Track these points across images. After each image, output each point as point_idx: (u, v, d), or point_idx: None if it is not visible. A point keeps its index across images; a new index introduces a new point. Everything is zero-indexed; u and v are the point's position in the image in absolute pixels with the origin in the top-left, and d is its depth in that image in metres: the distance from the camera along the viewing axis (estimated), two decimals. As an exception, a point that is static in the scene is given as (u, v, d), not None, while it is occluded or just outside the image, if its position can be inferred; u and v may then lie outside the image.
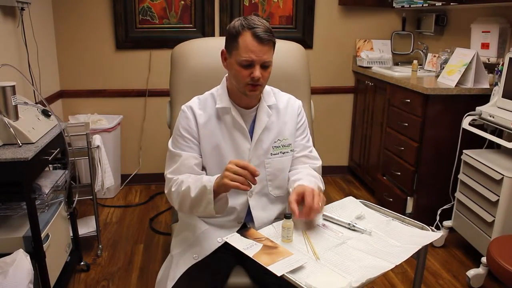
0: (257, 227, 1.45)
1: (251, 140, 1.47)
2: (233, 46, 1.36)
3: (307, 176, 1.44)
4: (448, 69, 2.67)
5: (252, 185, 1.24)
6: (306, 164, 1.53)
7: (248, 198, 1.48)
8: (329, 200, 1.40)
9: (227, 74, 1.48)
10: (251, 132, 1.47)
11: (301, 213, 1.27)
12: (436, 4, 2.92)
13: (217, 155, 1.45)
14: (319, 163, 1.56)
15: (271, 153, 1.49)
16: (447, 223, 2.55)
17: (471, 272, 2.20)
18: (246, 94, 1.40)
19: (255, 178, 1.23)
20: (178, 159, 1.41)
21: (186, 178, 1.36)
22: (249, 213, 1.49)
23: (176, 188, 1.36)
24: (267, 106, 1.49)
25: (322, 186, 1.48)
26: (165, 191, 1.43)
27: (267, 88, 1.53)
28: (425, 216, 2.56)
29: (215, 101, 1.48)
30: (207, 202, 1.28)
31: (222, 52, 1.44)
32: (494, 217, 2.11)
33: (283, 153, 1.51)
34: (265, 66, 1.36)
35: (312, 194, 1.29)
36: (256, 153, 1.48)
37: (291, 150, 1.53)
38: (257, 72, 1.34)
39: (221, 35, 3.30)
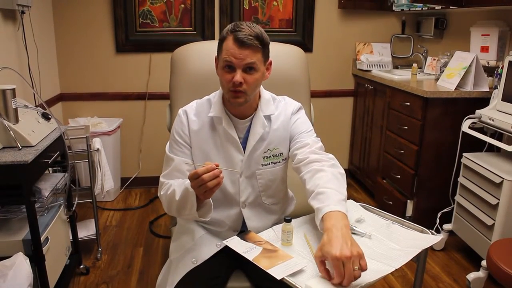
0: None
1: (244, 151, 1.42)
2: (220, 51, 1.35)
3: (330, 192, 1.22)
4: (448, 72, 2.67)
5: (223, 178, 1.17)
6: (299, 154, 1.39)
7: (241, 209, 1.46)
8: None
9: None
10: (245, 143, 1.42)
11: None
12: (436, 8, 2.93)
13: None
14: (318, 144, 1.41)
15: (262, 164, 1.44)
16: (447, 226, 2.55)
17: (471, 276, 2.19)
18: (230, 102, 1.36)
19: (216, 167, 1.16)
20: (171, 163, 1.40)
21: (174, 182, 1.34)
22: (244, 222, 1.47)
23: (164, 192, 1.35)
24: (263, 117, 1.43)
25: (344, 183, 1.31)
26: (158, 195, 1.42)
27: (267, 95, 1.47)
28: (425, 219, 2.56)
29: (210, 107, 1.44)
30: (191, 204, 1.24)
31: (215, 59, 1.42)
32: (494, 220, 2.11)
33: (275, 163, 1.46)
34: (248, 68, 1.30)
35: (340, 262, 1.01)
36: (249, 165, 1.44)
37: (283, 159, 1.47)
38: (238, 76, 1.28)
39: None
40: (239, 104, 1.35)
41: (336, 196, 1.21)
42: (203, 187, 1.15)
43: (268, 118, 1.44)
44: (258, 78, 1.34)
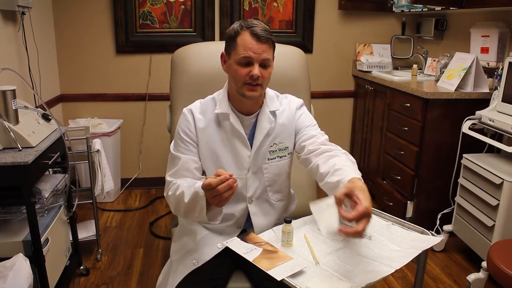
0: (256, 233, 1.44)
1: (251, 147, 1.44)
2: (232, 47, 1.36)
3: (348, 168, 1.25)
4: (448, 74, 2.67)
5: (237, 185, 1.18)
6: (308, 146, 1.41)
7: (247, 205, 1.47)
8: (329, 204, 1.38)
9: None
10: (251, 138, 1.45)
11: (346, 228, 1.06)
12: (436, 9, 2.93)
13: (215, 161, 1.43)
14: (325, 136, 1.46)
15: (268, 158, 1.46)
16: (447, 227, 2.55)
17: (471, 277, 2.19)
18: (244, 95, 1.36)
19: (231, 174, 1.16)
20: (178, 162, 1.40)
21: (182, 183, 1.34)
22: (249, 218, 1.48)
23: (172, 192, 1.35)
24: (269, 112, 1.45)
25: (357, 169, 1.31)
26: (164, 194, 1.42)
27: (271, 92, 1.50)
28: (425, 220, 2.56)
29: (215, 105, 1.45)
30: (200, 208, 1.24)
31: (222, 55, 1.44)
32: (494, 221, 2.11)
33: (280, 157, 1.48)
34: (264, 65, 1.35)
35: (365, 214, 1.06)
36: (256, 160, 1.45)
37: (288, 153, 1.50)
38: (256, 70, 1.32)
39: (221, 39, 3.31)
40: (254, 98, 1.38)
41: (354, 172, 1.22)
42: (218, 197, 1.16)
43: (273, 113, 1.47)
44: (271, 72, 1.39)
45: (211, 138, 1.43)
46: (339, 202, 1.09)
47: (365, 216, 1.06)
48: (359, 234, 1.05)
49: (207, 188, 1.16)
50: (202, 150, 1.43)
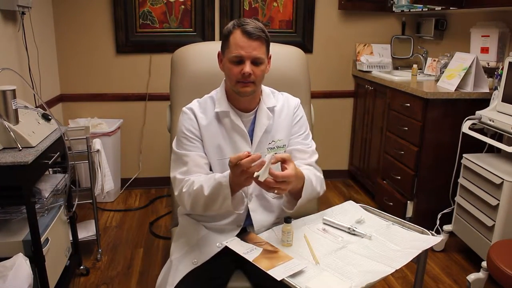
0: (256, 230, 1.45)
1: (252, 143, 1.47)
2: (226, 46, 1.40)
3: (306, 170, 1.39)
4: (448, 73, 2.67)
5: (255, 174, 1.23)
6: (297, 159, 1.48)
7: (247, 202, 1.47)
8: (329, 204, 1.39)
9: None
10: (251, 135, 1.47)
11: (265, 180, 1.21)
12: (436, 9, 2.93)
13: (220, 156, 1.45)
14: (315, 157, 1.52)
15: (266, 155, 1.48)
16: (447, 227, 2.55)
17: (471, 277, 2.19)
18: (238, 93, 1.40)
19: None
20: (187, 159, 1.41)
21: (197, 178, 1.36)
22: (248, 216, 1.49)
23: (187, 189, 1.35)
24: (267, 109, 1.48)
25: (320, 188, 1.44)
26: (175, 193, 1.42)
27: (267, 89, 1.53)
28: (425, 220, 2.56)
29: (214, 104, 1.48)
30: (224, 197, 1.27)
31: (218, 54, 1.47)
32: (494, 221, 2.11)
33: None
34: (256, 62, 1.37)
35: (287, 178, 1.23)
36: None
37: (285, 151, 1.52)
38: (247, 67, 1.35)
39: (221, 39, 3.30)
40: (247, 94, 1.40)
41: (307, 173, 1.36)
42: (245, 172, 1.19)
43: (271, 110, 1.49)
44: (264, 69, 1.41)
45: (215, 135, 1.45)
46: (274, 161, 1.23)
47: (283, 180, 1.22)
48: (267, 187, 1.22)
49: (231, 165, 1.20)
50: (206, 146, 1.45)
